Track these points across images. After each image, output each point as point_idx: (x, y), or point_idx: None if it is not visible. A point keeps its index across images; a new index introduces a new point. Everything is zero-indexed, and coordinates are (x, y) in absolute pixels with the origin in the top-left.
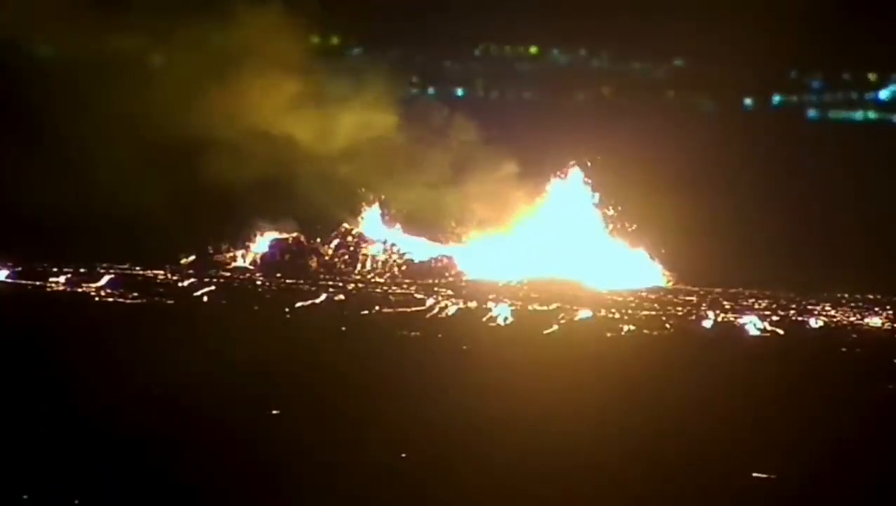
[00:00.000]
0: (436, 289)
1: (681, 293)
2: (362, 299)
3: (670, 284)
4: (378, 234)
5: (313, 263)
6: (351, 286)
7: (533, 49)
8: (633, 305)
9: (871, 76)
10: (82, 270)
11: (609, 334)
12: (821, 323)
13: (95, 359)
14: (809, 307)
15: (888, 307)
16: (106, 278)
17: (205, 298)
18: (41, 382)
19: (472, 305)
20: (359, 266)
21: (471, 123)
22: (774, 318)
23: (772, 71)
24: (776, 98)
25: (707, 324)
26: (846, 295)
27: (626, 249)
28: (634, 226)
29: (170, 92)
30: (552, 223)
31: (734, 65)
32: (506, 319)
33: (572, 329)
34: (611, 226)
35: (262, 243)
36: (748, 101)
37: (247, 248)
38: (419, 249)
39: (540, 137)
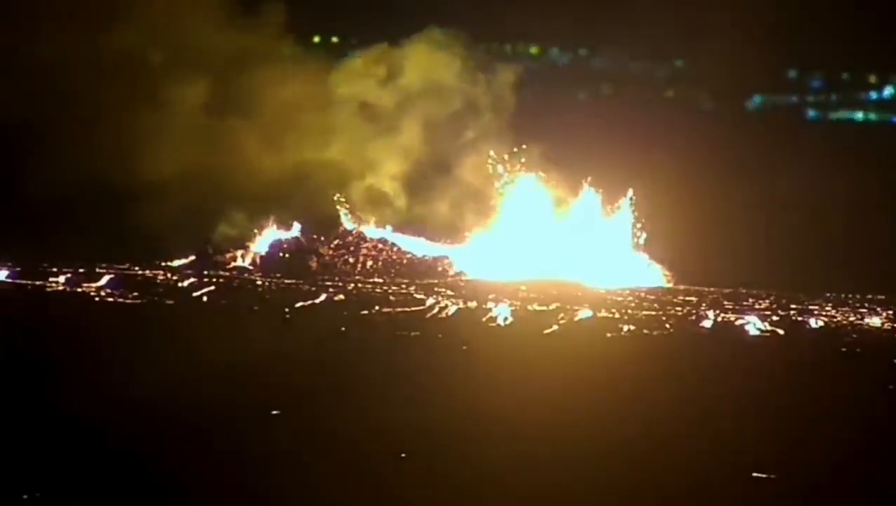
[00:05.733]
0: (436, 289)
1: (681, 293)
2: (362, 299)
3: (670, 284)
4: (378, 233)
5: (313, 264)
6: (351, 286)
7: (533, 49)
8: (633, 305)
9: (872, 76)
10: (82, 270)
11: (609, 334)
12: (821, 323)
13: (95, 359)
14: (809, 307)
15: (888, 307)
16: (106, 278)
17: (205, 298)
18: (41, 381)
19: (472, 305)
20: (359, 266)
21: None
22: (774, 318)
23: (771, 71)
24: (774, 98)
25: (707, 324)
26: (846, 295)
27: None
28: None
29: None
30: (551, 222)
31: (734, 65)
32: (506, 319)
33: (572, 329)
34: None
35: (262, 243)
36: (748, 100)
37: (246, 248)
38: (419, 248)
39: (540, 137)
